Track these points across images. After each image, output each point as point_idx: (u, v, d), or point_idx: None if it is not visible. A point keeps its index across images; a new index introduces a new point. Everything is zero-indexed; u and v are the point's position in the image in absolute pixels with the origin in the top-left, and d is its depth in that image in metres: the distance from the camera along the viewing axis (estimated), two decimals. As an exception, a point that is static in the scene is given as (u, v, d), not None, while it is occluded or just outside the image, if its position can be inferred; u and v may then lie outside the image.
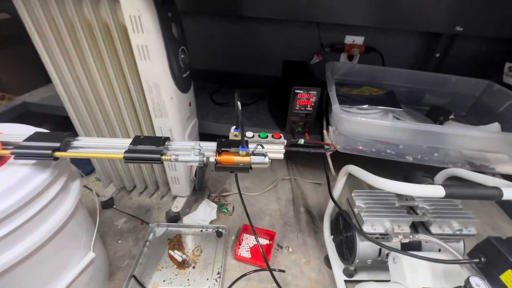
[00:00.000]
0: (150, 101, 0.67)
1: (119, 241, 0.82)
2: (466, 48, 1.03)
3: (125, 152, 0.44)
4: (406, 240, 0.53)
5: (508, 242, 0.39)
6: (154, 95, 0.66)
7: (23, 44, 1.09)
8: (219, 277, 0.72)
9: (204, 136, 0.87)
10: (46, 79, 1.15)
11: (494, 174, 0.69)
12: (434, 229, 0.57)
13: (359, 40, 1.10)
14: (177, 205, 0.87)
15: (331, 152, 0.75)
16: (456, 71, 0.96)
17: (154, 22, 0.56)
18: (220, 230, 0.84)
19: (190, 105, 0.76)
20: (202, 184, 1.02)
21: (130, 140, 0.46)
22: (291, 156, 1.21)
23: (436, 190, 0.44)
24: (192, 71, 0.77)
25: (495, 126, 0.81)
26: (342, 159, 0.74)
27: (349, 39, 1.10)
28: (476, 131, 0.67)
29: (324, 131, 0.83)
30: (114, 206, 0.92)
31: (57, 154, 0.43)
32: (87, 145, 0.47)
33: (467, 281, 0.37)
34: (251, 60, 1.16)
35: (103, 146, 0.47)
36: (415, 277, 0.48)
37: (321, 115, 0.89)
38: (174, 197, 0.91)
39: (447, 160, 0.72)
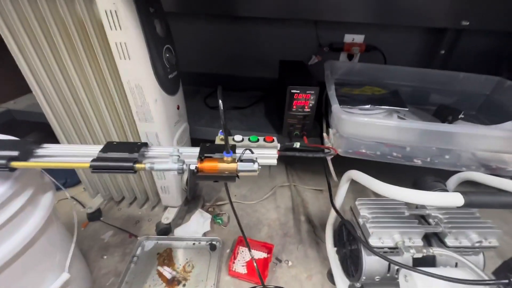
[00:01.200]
0: (133, 104, 0.62)
1: (105, 257, 0.76)
2: (473, 43, 0.97)
3: (93, 160, 0.38)
4: (419, 255, 0.46)
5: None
6: (137, 97, 0.60)
7: (7, 50, 1.06)
8: (212, 296, 0.65)
9: (196, 141, 0.80)
10: (33, 86, 1.11)
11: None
12: (449, 241, 0.50)
13: (359, 38, 1.05)
14: (167, 216, 0.81)
15: (332, 157, 0.69)
16: (463, 68, 0.90)
17: (133, 17, 0.51)
18: (214, 243, 0.78)
19: (178, 108, 0.70)
20: (195, 193, 0.96)
21: (99, 147, 0.41)
22: (290, 161, 1.15)
23: (453, 199, 0.37)
24: (186, 74, 0.72)
25: (510, 124, 0.75)
26: (344, 163, 0.68)
27: (348, 38, 1.05)
28: (490, 130, 0.61)
29: (324, 134, 0.77)
30: (101, 218, 0.87)
31: (14, 164, 0.37)
32: (53, 154, 0.42)
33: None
34: (247, 62, 1.11)
35: (72, 154, 0.42)
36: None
37: (320, 117, 0.83)
38: (166, 208, 0.86)
39: (460, 162, 0.66)
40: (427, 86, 0.95)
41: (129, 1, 0.50)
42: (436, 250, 0.47)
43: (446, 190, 0.56)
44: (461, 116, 0.84)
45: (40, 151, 0.41)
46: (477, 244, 0.49)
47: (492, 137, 0.60)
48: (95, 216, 0.86)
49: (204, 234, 0.82)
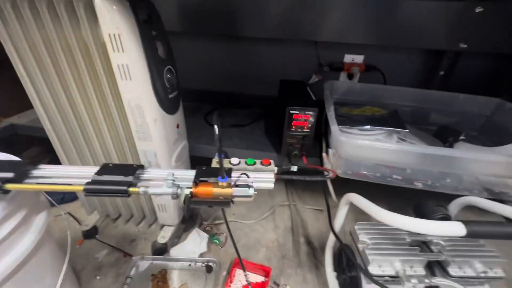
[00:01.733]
0: (133, 123, 0.62)
1: (98, 277, 0.74)
2: (472, 65, 0.98)
3: (87, 184, 0.38)
4: (421, 286, 0.45)
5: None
6: (137, 117, 0.61)
7: (11, 65, 1.08)
8: (206, 322, 0.63)
9: (196, 159, 0.81)
10: (37, 101, 1.12)
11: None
12: (453, 270, 0.49)
13: (358, 58, 1.06)
14: (164, 236, 0.79)
15: (330, 179, 0.69)
16: (463, 89, 0.91)
17: (135, 40, 0.53)
18: (210, 264, 0.76)
19: (178, 127, 0.71)
20: (192, 212, 0.95)
21: (95, 169, 0.41)
22: (290, 180, 1.13)
23: (454, 228, 0.36)
24: (187, 91, 0.72)
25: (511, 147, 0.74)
26: (344, 183, 0.67)
27: (348, 58, 1.07)
28: (492, 155, 0.60)
29: (324, 154, 0.77)
30: (97, 236, 0.85)
31: (9, 186, 0.37)
32: (49, 175, 0.41)
33: None
34: (248, 80, 1.12)
35: (67, 175, 0.42)
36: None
37: (320, 137, 0.83)
38: (162, 226, 0.84)
39: (462, 186, 0.65)
40: (427, 106, 0.95)
41: (133, 26, 0.51)
42: (439, 281, 0.46)
43: (448, 216, 0.55)
44: (461, 137, 0.83)
45: (35, 172, 0.41)
46: (482, 274, 0.47)
47: (494, 162, 0.59)
48: (90, 233, 0.85)
49: (201, 255, 0.80)
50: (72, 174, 0.42)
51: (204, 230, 0.87)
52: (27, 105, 1.08)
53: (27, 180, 0.40)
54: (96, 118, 0.65)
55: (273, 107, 1.06)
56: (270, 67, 1.10)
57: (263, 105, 1.11)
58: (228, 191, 0.38)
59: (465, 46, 0.89)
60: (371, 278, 0.48)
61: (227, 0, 0.93)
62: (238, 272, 0.75)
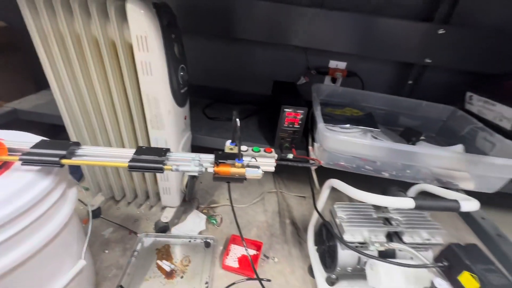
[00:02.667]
0: (149, 113, 0.71)
1: (106, 251, 0.82)
2: (434, 77, 1.15)
3: (130, 161, 0.47)
4: (382, 248, 0.58)
5: (465, 248, 0.46)
6: (153, 107, 0.69)
7: (17, 52, 1.10)
8: (207, 286, 0.73)
9: (195, 148, 0.90)
10: (36, 87, 1.15)
11: (458, 190, 0.77)
12: (406, 238, 0.63)
13: (341, 65, 1.20)
14: (166, 216, 0.88)
15: (316, 167, 0.81)
16: (426, 97, 1.07)
17: (158, 42, 0.61)
18: (209, 240, 0.86)
19: (185, 118, 0.80)
20: (192, 196, 1.04)
21: (131, 150, 0.50)
22: (277, 170, 1.25)
23: (407, 202, 0.50)
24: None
25: (459, 147, 0.91)
26: (325, 173, 0.80)
27: (332, 64, 1.20)
28: (443, 152, 0.76)
29: (310, 147, 0.89)
30: (101, 216, 0.92)
31: (64, 161, 0.45)
32: (90, 154, 0.50)
33: (432, 283, 0.43)
34: (242, 78, 1.22)
35: (106, 155, 0.50)
36: (390, 282, 0.54)
37: (307, 132, 0.96)
38: (163, 208, 0.93)
39: (418, 176, 0.80)
40: (397, 110, 1.11)
41: (157, 29, 0.60)
42: (395, 245, 0.60)
43: (406, 198, 0.70)
44: (422, 137, 1.00)
45: (80, 151, 0.49)
46: (426, 241, 0.62)
47: (444, 157, 0.74)
48: (95, 213, 0.91)
49: (199, 233, 0.90)
50: (110, 154, 0.50)
51: (201, 212, 0.97)
52: (27, 91, 1.11)
53: (74, 158, 0.48)
54: (114, 107, 0.72)
55: (267, 104, 1.17)
56: (263, 68, 1.20)
57: (256, 102, 1.22)
58: (242, 170, 0.48)
59: (430, 61, 1.05)
60: (346, 244, 0.61)
61: (225, 4, 1.02)
62: (234, 247, 0.86)
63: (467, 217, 0.81)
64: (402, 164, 0.80)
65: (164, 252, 0.83)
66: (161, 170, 0.47)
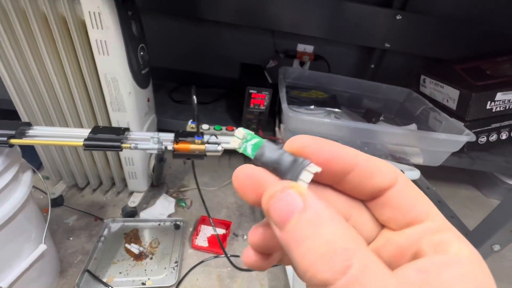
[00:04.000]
0: (108, 95, 0.68)
1: (71, 238, 0.80)
2: (393, 61, 1.22)
3: (85, 140, 0.46)
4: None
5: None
6: (112, 89, 0.67)
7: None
8: (177, 266, 0.75)
9: (162, 131, 0.89)
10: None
11: (410, 165, 0.85)
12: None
13: (309, 48, 1.22)
14: (134, 200, 0.88)
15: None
16: (387, 80, 1.13)
17: (114, 19, 0.59)
18: (178, 223, 0.87)
19: (148, 100, 0.78)
20: (160, 180, 1.03)
21: (87, 130, 0.49)
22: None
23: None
24: (151, 69, 0.79)
25: (413, 126, 0.99)
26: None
27: (300, 47, 1.22)
28: (396, 129, 0.82)
29: (276, 129, 0.92)
30: (64, 204, 0.89)
31: (13, 141, 0.44)
32: (42, 134, 0.48)
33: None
34: (210, 61, 1.21)
35: (60, 135, 0.49)
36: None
37: (274, 114, 0.98)
38: (131, 193, 0.92)
39: (375, 153, 0.86)
40: (360, 93, 1.16)
41: (112, 6, 0.57)
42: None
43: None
44: (381, 118, 1.06)
45: (31, 132, 0.47)
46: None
47: (398, 134, 0.80)
48: (57, 202, 0.88)
49: (169, 216, 0.91)
50: (64, 134, 0.49)
51: (171, 197, 0.97)
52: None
53: (25, 138, 0.46)
54: (71, 89, 0.69)
55: (234, 87, 1.18)
56: (231, 51, 1.20)
57: (224, 86, 1.22)
58: (202, 147, 0.49)
59: (389, 45, 1.11)
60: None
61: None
62: (203, 228, 0.88)
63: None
64: (361, 142, 0.86)
65: (133, 236, 0.82)
66: (119, 148, 0.47)
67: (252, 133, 0.15)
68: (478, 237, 0.59)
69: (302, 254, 0.11)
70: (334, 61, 1.22)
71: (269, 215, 0.12)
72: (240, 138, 0.15)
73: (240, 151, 0.15)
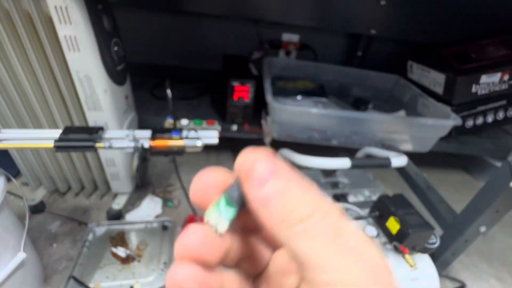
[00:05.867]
0: (82, 93, 0.65)
1: (54, 245, 0.77)
2: (380, 48, 1.20)
3: (56, 141, 0.43)
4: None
5: (392, 198, 0.50)
6: (86, 87, 0.64)
7: None
8: (165, 267, 0.73)
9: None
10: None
11: (399, 152, 0.84)
12: (350, 198, 0.68)
13: (295, 38, 1.19)
14: (118, 202, 0.85)
15: (269, 140, 0.83)
16: (374, 68, 1.12)
17: (82, 13, 0.55)
18: (166, 223, 0.85)
19: (127, 98, 0.75)
20: (145, 180, 1.01)
21: (59, 131, 0.46)
22: (236, 148, 1.26)
23: (344, 162, 0.53)
24: (131, 65, 0.76)
25: (402, 113, 0.98)
26: (282, 147, 0.81)
27: (286, 37, 1.19)
28: (384, 116, 0.81)
29: (263, 121, 0.90)
30: (46, 210, 0.86)
31: (-29, 146, 0.40)
32: (11, 138, 0.45)
33: (363, 230, 0.47)
34: (192, 55, 1.17)
35: (30, 137, 0.46)
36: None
37: (261, 107, 0.95)
38: (115, 195, 0.89)
39: (364, 142, 0.85)
40: (348, 81, 1.15)
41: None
42: (339, 204, 0.64)
43: (351, 162, 0.74)
44: (370, 106, 1.05)
45: (-5, 136, 0.44)
46: (368, 199, 0.67)
47: (385, 122, 0.79)
48: (38, 208, 0.85)
49: (156, 217, 0.88)
50: (35, 136, 0.46)
51: (157, 197, 0.95)
52: None
53: (-13, 143, 0.43)
54: (42, 89, 0.65)
55: (218, 80, 1.15)
56: (214, 43, 1.16)
57: (208, 80, 1.18)
58: (180, 142, 0.47)
59: (375, 32, 1.09)
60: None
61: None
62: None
63: (405, 175, 0.89)
64: (350, 131, 0.84)
65: (119, 239, 0.80)
66: (92, 147, 0.44)
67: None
68: (465, 219, 0.59)
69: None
70: (320, 50, 1.20)
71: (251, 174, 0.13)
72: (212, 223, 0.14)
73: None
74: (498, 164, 1.25)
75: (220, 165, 0.15)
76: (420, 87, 1.00)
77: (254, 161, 0.13)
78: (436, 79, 0.95)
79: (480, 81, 0.88)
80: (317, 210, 0.11)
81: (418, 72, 1.06)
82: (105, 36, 0.62)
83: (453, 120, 0.75)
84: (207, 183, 0.15)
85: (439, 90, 0.94)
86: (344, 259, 0.11)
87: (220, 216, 0.13)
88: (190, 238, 0.13)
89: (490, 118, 0.99)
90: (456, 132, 0.99)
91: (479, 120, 0.98)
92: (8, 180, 0.90)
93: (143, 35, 1.12)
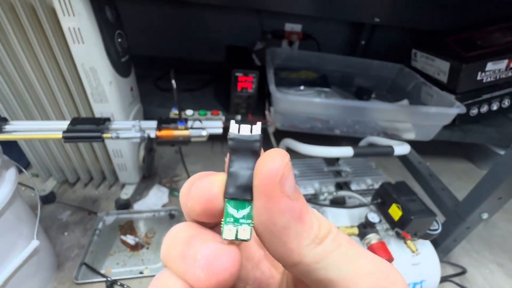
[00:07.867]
0: (88, 86, 0.66)
1: (65, 233, 0.80)
2: (384, 37, 1.19)
3: (64, 132, 0.44)
4: (331, 197, 0.63)
5: (394, 185, 0.51)
6: (91, 79, 0.65)
7: None
8: (174, 253, 0.75)
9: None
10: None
11: (402, 141, 0.84)
12: (353, 186, 0.69)
13: (297, 27, 1.18)
14: (126, 192, 0.87)
15: (273, 130, 0.83)
16: (378, 57, 1.11)
17: (85, 4, 0.56)
18: (173, 212, 0.87)
19: (132, 90, 0.76)
20: (152, 170, 1.02)
21: (67, 122, 0.47)
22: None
23: (347, 150, 0.54)
24: (135, 58, 0.77)
25: (405, 102, 0.98)
26: (284, 137, 0.82)
27: (288, 27, 1.18)
28: (387, 105, 0.81)
29: (266, 112, 0.90)
30: (56, 201, 0.88)
31: (-14, 138, 0.42)
32: (21, 129, 0.46)
33: (366, 217, 0.48)
34: (195, 46, 1.17)
35: (39, 129, 0.47)
36: (337, 223, 0.59)
37: (264, 98, 0.96)
38: (123, 186, 0.91)
39: (367, 131, 0.85)
40: (351, 71, 1.14)
41: (81, -11, 0.54)
42: (343, 193, 0.65)
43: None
44: (373, 95, 1.05)
45: (8, 127, 0.45)
46: (370, 187, 0.68)
47: (388, 110, 0.79)
48: (49, 199, 0.87)
49: (163, 206, 0.90)
50: (43, 128, 0.47)
51: (164, 187, 0.97)
52: None
53: (1, 134, 0.44)
54: (48, 82, 0.66)
55: (221, 71, 1.15)
56: (216, 34, 1.16)
57: (211, 71, 1.18)
58: (185, 132, 0.48)
59: (378, 20, 1.08)
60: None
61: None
62: (198, 215, 0.88)
63: (408, 163, 0.89)
64: (353, 121, 0.85)
65: (128, 228, 0.82)
66: (99, 138, 0.46)
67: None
68: (467, 206, 0.60)
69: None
70: (323, 39, 1.19)
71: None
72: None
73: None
74: (502, 152, 1.24)
75: (225, 156, 0.13)
76: (424, 76, 0.99)
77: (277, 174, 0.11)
78: (440, 67, 0.94)
79: (486, 68, 0.87)
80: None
81: (422, 60, 1.05)
82: (108, 28, 0.62)
83: (457, 109, 0.75)
84: (210, 192, 0.12)
85: (443, 78, 0.93)
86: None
87: (237, 223, 0.11)
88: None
89: (495, 106, 0.98)
90: (460, 121, 0.99)
91: (484, 108, 0.98)
92: (19, 171, 0.93)
93: (146, 27, 1.12)
